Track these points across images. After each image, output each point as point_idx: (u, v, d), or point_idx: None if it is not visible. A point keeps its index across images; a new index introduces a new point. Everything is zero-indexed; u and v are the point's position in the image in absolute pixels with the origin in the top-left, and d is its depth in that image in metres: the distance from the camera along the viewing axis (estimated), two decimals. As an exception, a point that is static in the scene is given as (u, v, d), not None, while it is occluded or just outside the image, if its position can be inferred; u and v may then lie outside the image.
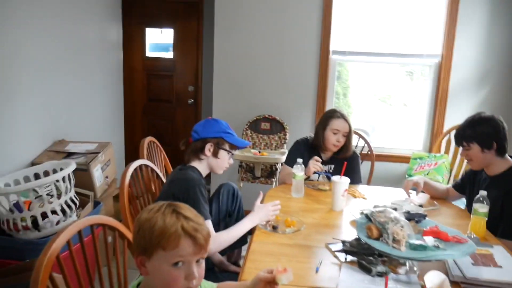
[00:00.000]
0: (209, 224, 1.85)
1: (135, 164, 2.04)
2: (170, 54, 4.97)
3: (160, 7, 4.82)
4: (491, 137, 2.09)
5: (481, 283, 1.47)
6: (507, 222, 2.00)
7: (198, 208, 1.79)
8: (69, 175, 2.47)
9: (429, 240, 1.54)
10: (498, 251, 1.72)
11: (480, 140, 2.11)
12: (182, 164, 2.04)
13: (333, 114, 2.66)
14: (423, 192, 2.40)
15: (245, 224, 1.93)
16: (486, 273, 1.52)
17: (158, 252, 1.04)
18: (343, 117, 2.63)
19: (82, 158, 2.90)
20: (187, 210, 1.11)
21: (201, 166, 2.02)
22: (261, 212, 1.96)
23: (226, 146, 2.02)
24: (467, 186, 2.34)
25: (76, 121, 3.45)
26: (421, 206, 2.23)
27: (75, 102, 3.44)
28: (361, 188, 2.62)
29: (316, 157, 2.53)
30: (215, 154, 1.99)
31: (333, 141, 2.60)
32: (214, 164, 2.02)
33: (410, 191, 2.37)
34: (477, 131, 2.12)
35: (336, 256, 1.67)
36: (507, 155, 2.14)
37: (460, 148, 2.25)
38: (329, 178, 2.62)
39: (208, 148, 1.98)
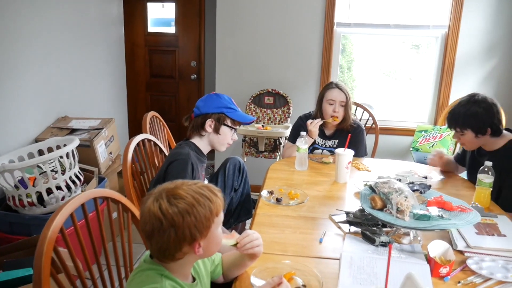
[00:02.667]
0: None
1: (138, 138, 2.03)
2: (172, 29, 4.91)
3: (160, -19, 4.73)
4: (485, 123, 2.05)
5: (484, 252, 1.47)
6: (505, 196, 1.99)
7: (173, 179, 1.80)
8: (72, 151, 2.47)
9: (433, 210, 1.53)
10: (502, 220, 1.72)
11: (474, 126, 2.07)
12: (183, 139, 2.03)
13: (328, 85, 2.64)
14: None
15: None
16: (489, 242, 1.52)
17: (215, 221, 1.07)
18: (338, 87, 2.60)
19: (86, 134, 2.90)
20: (186, 180, 1.12)
21: (201, 143, 2.00)
22: None
23: (228, 122, 1.99)
24: (467, 157, 2.32)
25: (79, 97, 3.44)
26: (425, 177, 2.22)
27: (78, 78, 3.42)
28: (366, 161, 2.61)
29: (310, 120, 2.52)
30: (216, 130, 1.97)
31: (330, 111, 2.58)
32: (216, 140, 2.00)
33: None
34: (470, 118, 2.06)
35: (339, 227, 1.67)
36: (503, 131, 2.10)
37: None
38: (332, 152, 2.61)
39: (209, 124, 1.95)
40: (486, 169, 1.88)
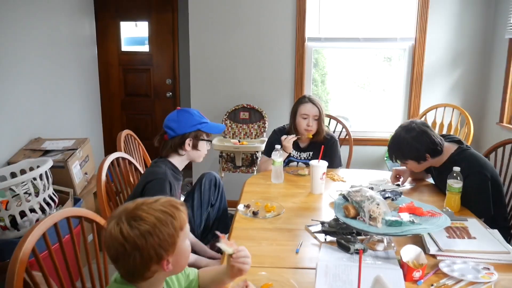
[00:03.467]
0: None
1: (112, 156, 2.03)
2: (146, 48, 4.92)
3: (133, 0, 4.76)
4: (421, 151, 2.11)
5: (455, 254, 1.51)
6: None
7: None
8: (46, 173, 2.43)
9: (405, 216, 1.57)
10: (472, 223, 1.77)
11: (413, 157, 2.14)
12: (158, 157, 2.04)
13: (302, 99, 2.68)
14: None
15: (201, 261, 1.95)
16: (461, 245, 1.56)
17: (180, 236, 1.07)
18: (311, 101, 2.64)
19: (60, 155, 2.86)
20: (146, 198, 1.12)
21: (178, 160, 2.02)
22: None
23: (204, 136, 2.04)
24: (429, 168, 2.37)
25: (52, 118, 3.40)
26: (398, 185, 2.27)
27: (50, 99, 3.38)
28: (341, 171, 2.65)
29: (284, 136, 2.55)
30: (195, 147, 2.01)
31: (304, 125, 2.62)
32: (195, 155, 2.05)
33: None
34: (407, 151, 2.13)
35: (315, 237, 1.69)
36: (444, 147, 2.14)
37: None
38: (307, 164, 2.64)
39: (188, 143, 1.99)
40: (454, 174, 1.94)
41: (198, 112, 2.05)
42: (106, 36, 4.81)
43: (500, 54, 3.49)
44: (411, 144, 2.10)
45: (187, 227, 1.10)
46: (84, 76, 3.98)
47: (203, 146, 2.05)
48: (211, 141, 2.09)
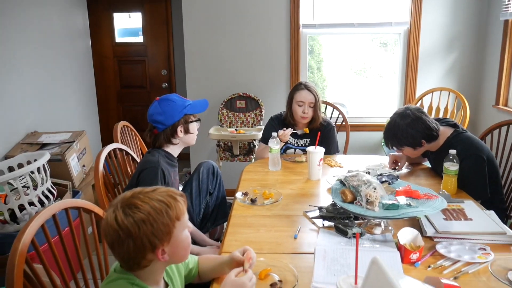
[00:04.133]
0: None
1: (109, 148, 2.03)
2: (140, 39, 4.89)
3: (125, -9, 4.72)
4: (417, 137, 2.11)
5: (452, 236, 1.52)
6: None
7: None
8: (44, 166, 2.44)
9: (402, 199, 1.58)
10: (469, 205, 1.78)
11: (408, 143, 2.14)
12: (151, 148, 2.04)
13: (297, 86, 2.67)
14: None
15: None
16: (457, 226, 1.58)
17: (176, 226, 1.07)
18: (306, 88, 2.63)
19: (57, 148, 2.86)
20: (144, 188, 1.12)
21: (173, 148, 2.03)
22: None
23: (192, 118, 2.04)
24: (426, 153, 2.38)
25: (48, 112, 3.39)
26: (394, 169, 2.28)
27: (45, 92, 3.37)
28: (338, 157, 2.66)
29: (280, 131, 2.54)
30: (186, 131, 2.02)
31: (300, 112, 2.62)
32: (189, 139, 2.06)
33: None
34: (402, 138, 2.13)
35: (313, 223, 1.70)
36: (439, 132, 2.14)
37: None
38: (304, 151, 2.65)
39: (180, 130, 1.99)
40: (451, 157, 1.95)
41: (178, 96, 2.04)
42: (100, 28, 4.78)
43: (495, 36, 3.48)
44: (406, 131, 2.10)
45: (185, 217, 1.10)
46: (79, 68, 3.96)
47: (194, 127, 2.07)
48: (199, 120, 2.10)
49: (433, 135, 2.12)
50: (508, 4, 3.24)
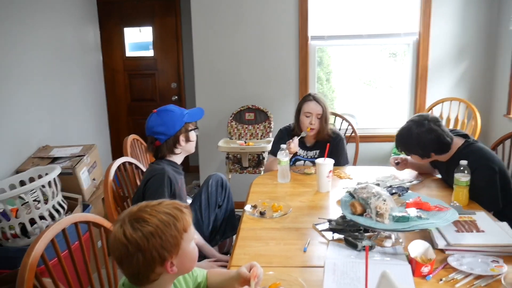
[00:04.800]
0: None
1: (118, 161, 2.04)
2: (150, 53, 4.96)
3: (136, 6, 4.79)
4: (427, 150, 2.10)
5: (464, 248, 1.50)
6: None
7: (152, 193, 1.85)
8: (54, 180, 2.46)
9: (412, 211, 1.57)
10: (481, 217, 1.76)
11: (417, 153, 2.14)
12: (156, 160, 2.07)
13: (306, 97, 2.67)
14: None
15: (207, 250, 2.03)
16: (469, 239, 1.55)
17: (184, 238, 1.08)
18: (315, 99, 2.62)
19: (67, 162, 2.89)
20: (149, 201, 1.13)
21: (176, 157, 2.06)
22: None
23: (191, 126, 2.08)
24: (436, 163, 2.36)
25: (59, 126, 3.43)
26: (403, 180, 2.26)
27: (57, 106, 3.42)
28: (348, 169, 2.64)
29: (289, 141, 2.53)
30: (188, 140, 2.05)
31: (307, 124, 2.61)
32: (190, 147, 2.09)
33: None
34: (412, 147, 2.14)
35: (323, 235, 1.69)
36: (453, 142, 2.11)
37: None
38: (314, 163, 2.64)
39: (182, 139, 2.02)
40: (462, 168, 1.92)
41: (175, 106, 2.07)
42: (111, 42, 4.85)
43: (505, 46, 3.46)
44: (418, 140, 2.09)
45: (191, 229, 1.11)
46: (90, 82, 4.02)
47: (194, 135, 2.10)
48: (197, 128, 2.14)
49: (444, 148, 2.10)
50: (517, 13, 3.23)
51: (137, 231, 1.02)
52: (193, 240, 1.13)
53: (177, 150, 2.03)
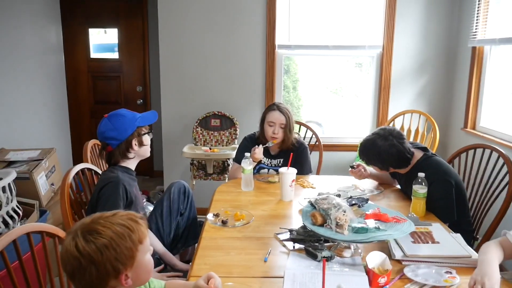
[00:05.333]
0: None
1: (77, 168, 1.98)
2: (115, 55, 4.86)
3: (102, 6, 4.70)
4: (386, 165, 2.19)
5: (420, 259, 1.54)
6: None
7: (107, 202, 1.79)
8: (9, 185, 2.36)
9: (370, 223, 1.60)
10: (436, 228, 1.81)
11: (377, 164, 2.22)
12: (109, 167, 2.01)
13: (270, 107, 2.69)
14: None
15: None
16: (425, 250, 1.60)
17: (139, 250, 1.05)
18: (279, 109, 2.64)
19: (24, 166, 2.79)
20: (103, 212, 1.10)
21: (130, 162, 2.00)
22: None
23: (144, 130, 2.01)
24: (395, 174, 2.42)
25: (16, 128, 3.30)
26: (364, 191, 2.31)
27: (14, 108, 3.29)
28: (311, 178, 2.67)
29: (255, 147, 2.55)
30: (141, 144, 1.98)
31: (270, 133, 2.63)
32: (143, 151, 2.02)
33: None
34: (372, 159, 2.21)
35: (284, 245, 1.70)
36: (412, 155, 2.17)
37: None
38: (278, 171, 2.65)
39: (134, 144, 1.96)
40: (420, 180, 1.98)
41: (126, 110, 2.01)
42: (74, 43, 4.72)
43: (463, 61, 3.60)
44: (379, 154, 2.15)
45: (147, 241, 1.09)
46: (51, 84, 3.89)
47: (147, 139, 2.03)
48: (151, 131, 2.07)
49: (403, 164, 2.18)
50: (475, 32, 3.37)
51: (90, 243, 0.98)
52: (148, 251, 1.11)
53: (130, 155, 1.97)
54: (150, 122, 2.03)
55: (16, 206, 2.44)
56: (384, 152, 2.13)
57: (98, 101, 4.92)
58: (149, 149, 2.05)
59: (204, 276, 1.25)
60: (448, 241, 1.67)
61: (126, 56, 4.83)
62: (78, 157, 4.36)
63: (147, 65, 4.82)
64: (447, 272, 1.46)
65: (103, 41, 4.96)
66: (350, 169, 2.49)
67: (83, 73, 4.83)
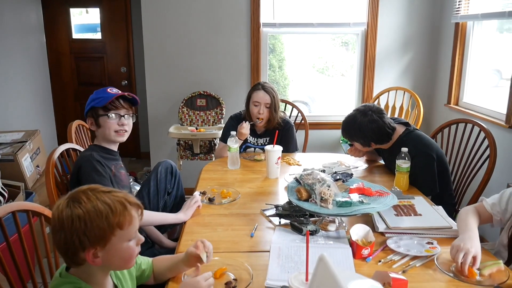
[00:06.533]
0: None
1: (61, 148, 1.97)
2: (98, 35, 4.77)
3: (82, -15, 4.59)
4: (368, 140, 2.21)
5: (402, 231, 1.58)
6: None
7: (88, 183, 1.77)
8: (-7, 167, 2.34)
9: (354, 197, 1.63)
10: (419, 201, 1.85)
11: (359, 140, 2.24)
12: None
13: (255, 86, 2.68)
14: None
15: (169, 217, 1.90)
16: (407, 222, 1.64)
17: (116, 234, 1.03)
18: (264, 89, 2.64)
19: (8, 148, 2.76)
20: (100, 186, 1.10)
21: (102, 141, 1.95)
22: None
23: (101, 111, 1.89)
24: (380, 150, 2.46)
25: (-1, 110, 3.26)
26: (349, 166, 2.34)
27: (-4, 90, 3.24)
28: (297, 156, 2.69)
29: (242, 123, 2.55)
30: (98, 125, 1.90)
31: (255, 113, 2.63)
32: (103, 133, 1.91)
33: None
34: (353, 135, 2.23)
35: (270, 221, 1.72)
36: (394, 132, 2.21)
37: None
38: (264, 150, 2.67)
39: (90, 123, 1.91)
40: (402, 155, 2.01)
41: (102, 90, 1.92)
42: (55, 23, 4.62)
43: (447, 38, 3.62)
44: (360, 129, 2.17)
45: (131, 228, 1.06)
46: (32, 65, 3.83)
47: (105, 121, 1.88)
48: (116, 114, 1.90)
49: (384, 139, 2.20)
50: (458, 8, 3.38)
51: (67, 209, 1.00)
52: (132, 240, 1.08)
53: (96, 133, 1.93)
54: (103, 103, 1.87)
55: (1, 187, 2.43)
56: (365, 128, 2.15)
57: (82, 82, 4.85)
58: (113, 131, 1.90)
59: (194, 244, 1.27)
60: (430, 213, 1.71)
61: (109, 36, 4.74)
62: (63, 139, 4.30)
63: (131, 45, 4.75)
64: (428, 243, 1.51)
65: (84, 21, 4.86)
66: (348, 147, 2.50)
67: (66, 54, 4.74)
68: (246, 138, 2.66)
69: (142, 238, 1.12)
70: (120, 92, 1.93)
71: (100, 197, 1.03)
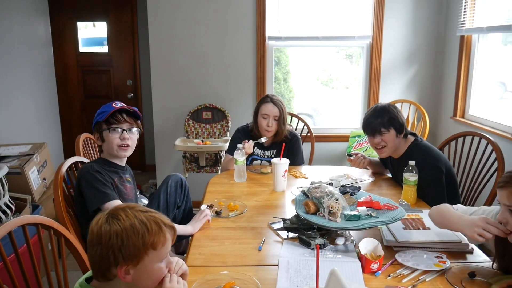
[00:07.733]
0: (116, 203, 1.80)
1: (69, 161, 1.98)
2: (105, 49, 4.83)
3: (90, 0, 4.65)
4: (403, 125, 2.20)
5: (411, 245, 1.57)
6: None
7: (90, 193, 1.81)
8: (1, 180, 2.35)
9: (362, 210, 1.62)
10: (427, 215, 1.84)
11: (395, 125, 2.20)
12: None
13: (264, 99, 2.70)
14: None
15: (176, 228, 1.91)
16: (415, 236, 1.63)
17: (149, 254, 1.04)
18: (272, 101, 2.65)
19: (16, 161, 2.77)
20: (138, 205, 1.12)
21: (106, 155, 2.00)
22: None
23: (104, 126, 1.93)
24: (388, 163, 2.45)
25: (6, 123, 3.28)
26: (356, 179, 2.34)
27: (4, 103, 3.26)
28: (303, 168, 2.69)
29: (245, 140, 2.55)
30: (102, 140, 1.95)
31: (264, 125, 2.64)
32: (107, 148, 1.95)
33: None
34: (392, 119, 2.19)
35: (278, 234, 1.72)
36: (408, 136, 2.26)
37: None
38: (270, 162, 2.67)
39: (96, 137, 1.97)
40: (410, 168, 2.01)
41: (105, 105, 1.96)
42: (63, 37, 4.68)
43: (452, 51, 3.64)
44: (396, 114, 2.18)
45: (164, 249, 1.07)
46: (40, 78, 3.86)
47: (108, 136, 1.92)
48: (118, 129, 1.92)
49: (402, 130, 2.19)
50: (463, 21, 3.40)
51: (106, 225, 1.02)
52: (163, 262, 1.09)
53: (103, 148, 1.98)
54: (104, 117, 1.90)
55: (9, 201, 2.44)
56: (399, 113, 2.18)
57: (89, 95, 4.89)
58: (116, 146, 1.93)
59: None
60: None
61: (116, 49, 4.79)
62: (69, 152, 4.34)
63: (137, 58, 4.79)
64: (437, 257, 1.49)
65: (91, 35, 4.92)
66: (348, 157, 2.50)
67: (73, 67, 4.79)
68: (253, 151, 2.67)
69: (173, 262, 1.13)
70: (123, 105, 1.96)
71: (138, 215, 1.05)
